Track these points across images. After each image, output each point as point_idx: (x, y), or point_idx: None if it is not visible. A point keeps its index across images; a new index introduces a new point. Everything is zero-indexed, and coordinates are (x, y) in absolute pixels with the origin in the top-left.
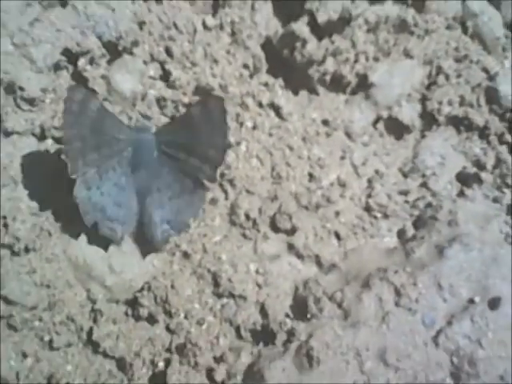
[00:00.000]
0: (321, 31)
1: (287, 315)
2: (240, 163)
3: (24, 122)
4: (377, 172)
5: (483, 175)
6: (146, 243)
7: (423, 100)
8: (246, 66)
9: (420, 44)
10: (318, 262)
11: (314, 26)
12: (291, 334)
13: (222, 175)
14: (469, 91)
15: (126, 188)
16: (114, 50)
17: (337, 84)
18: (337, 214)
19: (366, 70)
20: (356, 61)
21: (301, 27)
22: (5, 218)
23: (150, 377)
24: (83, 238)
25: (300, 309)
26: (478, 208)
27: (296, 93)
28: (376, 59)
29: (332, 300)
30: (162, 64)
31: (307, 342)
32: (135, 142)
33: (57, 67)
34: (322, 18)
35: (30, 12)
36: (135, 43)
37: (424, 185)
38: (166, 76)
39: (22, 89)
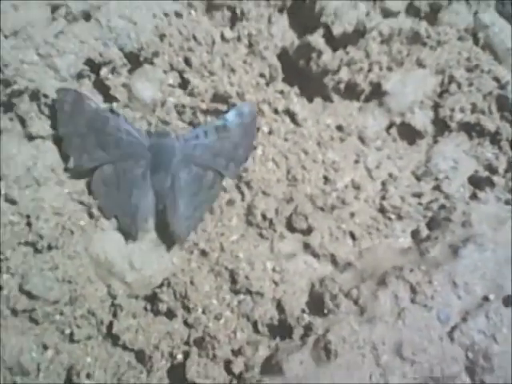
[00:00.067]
0: (336, 43)
1: (303, 311)
2: (256, 166)
3: (47, 127)
4: (390, 175)
5: (495, 179)
6: (167, 240)
7: (435, 107)
8: (262, 75)
9: (432, 54)
10: (334, 260)
11: (329, 37)
12: (308, 328)
13: (240, 177)
14: (480, 99)
15: (144, 187)
16: (135, 60)
17: (351, 92)
18: (352, 215)
19: (380, 79)
20: (370, 70)
21: (316, 39)
22: (28, 217)
23: (169, 368)
24: (104, 236)
25: (316, 305)
26: (490, 210)
27: (311, 100)
28: (389, 69)
29: (348, 297)
30: (180, 73)
31: (324, 335)
32: (155, 146)
33: (80, 76)
34: (337, 30)
35: (56, 25)
36: (156, 54)
37: (437, 187)
38: (184, 84)
39: (46, 96)
